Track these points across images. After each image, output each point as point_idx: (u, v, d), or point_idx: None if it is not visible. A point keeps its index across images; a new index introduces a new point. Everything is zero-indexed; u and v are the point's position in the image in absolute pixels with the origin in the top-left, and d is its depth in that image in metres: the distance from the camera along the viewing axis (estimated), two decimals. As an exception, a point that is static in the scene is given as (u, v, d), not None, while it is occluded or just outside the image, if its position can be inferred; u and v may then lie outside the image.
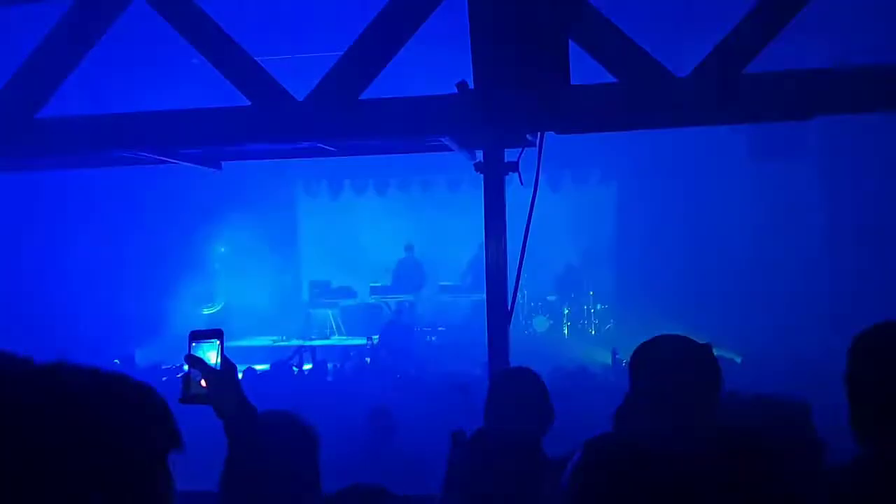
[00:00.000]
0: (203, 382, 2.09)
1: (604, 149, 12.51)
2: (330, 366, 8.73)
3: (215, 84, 5.56)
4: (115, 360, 10.00)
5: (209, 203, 13.47)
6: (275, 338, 14.57)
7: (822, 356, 8.39)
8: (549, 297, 14.34)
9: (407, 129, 4.73)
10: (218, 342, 2.11)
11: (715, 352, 3.07)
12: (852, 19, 8.49)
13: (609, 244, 15.30)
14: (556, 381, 7.68)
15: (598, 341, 13.33)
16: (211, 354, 2.11)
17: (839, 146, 10.45)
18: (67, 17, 4.97)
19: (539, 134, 4.56)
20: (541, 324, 13.86)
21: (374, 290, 14.75)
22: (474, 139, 4.62)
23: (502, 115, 4.15)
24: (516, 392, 3.09)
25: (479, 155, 4.72)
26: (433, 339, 11.08)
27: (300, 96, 4.73)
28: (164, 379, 8.48)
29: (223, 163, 6.34)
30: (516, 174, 4.64)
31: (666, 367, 2.28)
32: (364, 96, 4.66)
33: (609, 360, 8.49)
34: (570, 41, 3.92)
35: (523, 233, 4.52)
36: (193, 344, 2.11)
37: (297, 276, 16.41)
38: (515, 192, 4.77)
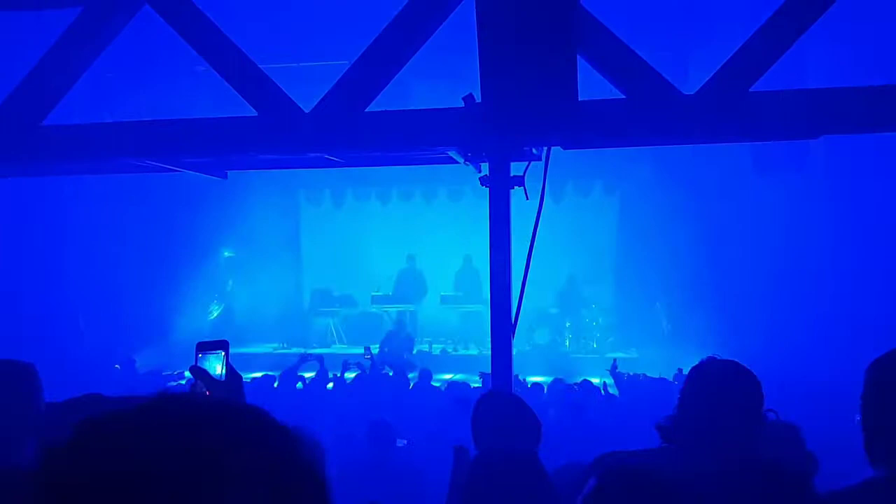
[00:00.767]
0: (208, 393, 2.09)
1: (607, 161, 12.53)
2: (331, 374, 8.71)
3: (221, 91, 5.60)
4: (116, 366, 9.99)
5: (212, 210, 13.49)
6: (275, 345, 14.57)
7: (825, 373, 8.39)
8: (550, 310, 14.32)
9: (413, 141, 4.74)
10: (223, 353, 2.11)
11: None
12: (859, 38, 8.52)
13: (611, 257, 15.30)
14: (558, 394, 7.68)
15: (600, 354, 13.32)
16: (217, 366, 2.11)
17: (844, 160, 10.47)
18: (75, 24, 5.00)
19: (545, 148, 4.57)
20: (542, 336, 13.85)
21: (375, 300, 14.73)
22: (480, 152, 4.63)
23: (509, 129, 4.16)
24: (496, 415, 3.09)
25: (485, 168, 4.72)
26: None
27: (306, 104, 4.75)
28: (169, 384, 8.47)
29: (228, 172, 6.36)
30: (522, 188, 4.64)
31: (719, 391, 2.34)
32: (370, 108, 4.68)
33: (609, 373, 8.47)
34: (578, 56, 3.93)
35: (528, 247, 4.52)
36: (200, 355, 2.11)
37: (299, 283, 16.41)
38: (519, 203, 4.76)
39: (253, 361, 12.76)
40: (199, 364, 2.13)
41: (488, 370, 5.67)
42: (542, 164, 4.62)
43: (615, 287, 15.17)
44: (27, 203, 10.79)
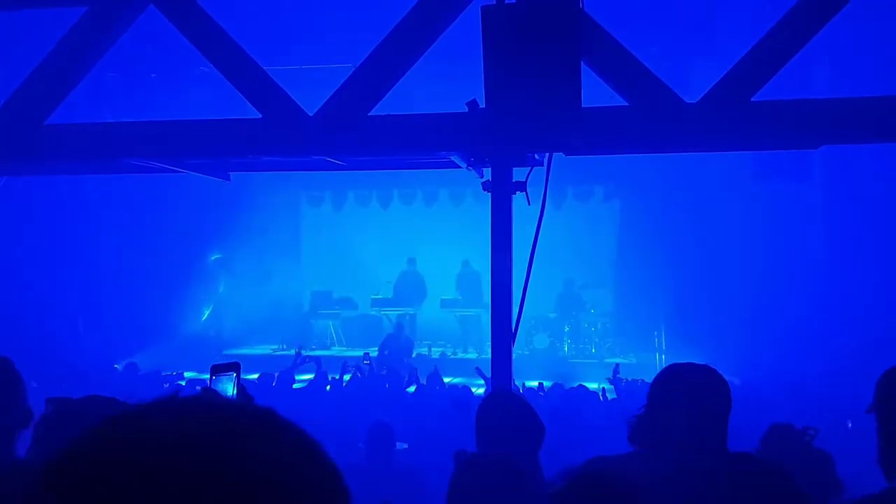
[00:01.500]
0: None
1: (607, 167, 12.55)
2: (330, 377, 8.72)
3: (226, 93, 5.62)
4: (116, 366, 9.99)
5: (213, 211, 13.51)
6: (274, 347, 14.56)
7: (818, 380, 8.42)
8: (549, 315, 14.33)
9: (416, 145, 4.77)
10: (235, 374, 2.17)
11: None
12: (859, 51, 8.56)
13: (610, 262, 15.31)
14: (556, 399, 7.69)
15: (599, 359, 13.33)
16: (229, 387, 2.16)
17: (843, 168, 10.51)
18: (80, 24, 5.02)
19: (547, 154, 4.59)
20: (541, 341, 13.85)
21: (375, 303, 14.72)
22: (483, 158, 4.65)
23: (512, 134, 4.18)
24: (502, 416, 3.10)
25: (487, 173, 4.74)
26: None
27: (310, 107, 4.77)
28: (165, 385, 8.48)
29: (231, 174, 6.38)
30: (524, 193, 4.66)
31: (688, 394, 2.33)
32: (373, 112, 4.70)
33: (609, 378, 8.47)
34: (582, 63, 3.95)
35: (529, 252, 4.54)
36: (213, 378, 2.17)
37: (299, 285, 16.42)
38: (520, 207, 4.78)
39: (252, 363, 12.78)
40: (212, 386, 2.17)
41: (484, 369, 5.68)
42: (543, 169, 4.64)
43: (614, 292, 15.19)
44: (26, 205, 10.80)
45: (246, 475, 0.64)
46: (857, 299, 10.30)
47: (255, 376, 8.82)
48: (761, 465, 2.24)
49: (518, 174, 4.70)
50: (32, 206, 11.11)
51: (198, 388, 2.18)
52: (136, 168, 5.77)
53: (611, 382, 8.40)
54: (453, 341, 14.60)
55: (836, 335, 10.07)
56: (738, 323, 11.75)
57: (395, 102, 4.87)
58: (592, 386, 8.38)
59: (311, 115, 4.72)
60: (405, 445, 5.38)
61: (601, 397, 7.78)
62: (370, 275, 15.12)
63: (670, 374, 2.44)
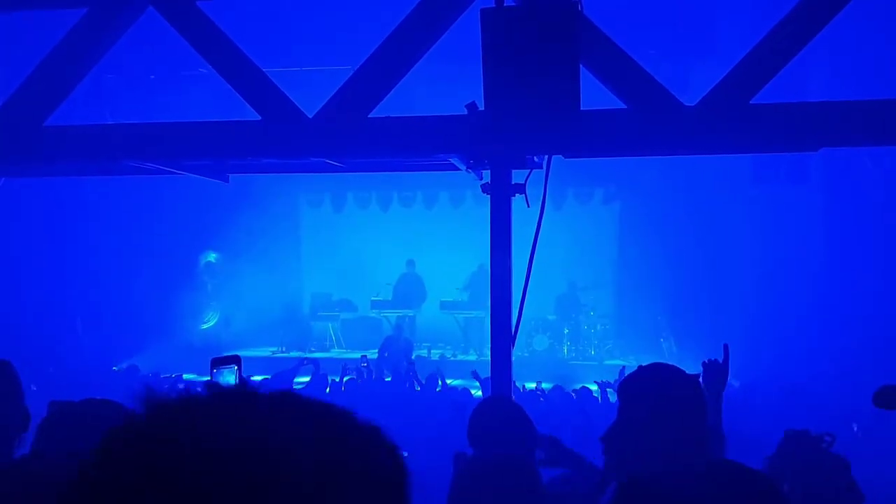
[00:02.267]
0: None
1: (607, 169, 12.56)
2: (329, 379, 8.71)
3: (225, 95, 5.62)
4: (115, 368, 9.99)
5: (213, 213, 13.51)
6: (275, 349, 14.57)
7: (818, 382, 8.41)
8: (549, 317, 14.32)
9: (415, 148, 4.76)
10: (236, 367, 2.19)
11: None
12: (859, 54, 8.57)
13: (610, 264, 15.32)
14: (556, 401, 7.69)
15: (599, 361, 13.33)
16: (230, 380, 2.18)
17: (842, 170, 10.52)
18: (79, 25, 5.01)
19: (546, 157, 4.59)
20: (540, 343, 13.85)
21: (374, 304, 14.72)
22: (482, 160, 4.65)
23: (511, 137, 4.18)
24: (493, 420, 3.09)
25: (487, 175, 4.74)
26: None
27: (310, 109, 4.77)
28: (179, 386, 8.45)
29: (230, 175, 6.38)
30: (523, 196, 4.66)
31: (656, 397, 2.30)
32: (373, 114, 4.70)
33: (616, 380, 8.46)
34: (581, 66, 3.96)
35: (529, 255, 4.54)
36: (214, 371, 2.18)
37: (299, 287, 16.42)
38: (519, 209, 4.78)
39: (252, 365, 12.78)
40: (214, 379, 2.18)
41: (482, 373, 5.67)
42: (543, 171, 4.64)
43: (614, 294, 15.19)
44: (25, 207, 10.81)
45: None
46: (857, 301, 10.30)
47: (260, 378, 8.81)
48: (743, 472, 2.22)
49: (517, 176, 4.70)
50: (32, 207, 11.11)
51: (184, 376, 2.19)
52: (135, 170, 5.77)
53: (616, 383, 8.38)
54: (453, 343, 14.61)
55: (835, 337, 10.08)
56: (738, 325, 11.74)
57: (396, 104, 4.87)
58: (593, 388, 8.38)
59: (310, 116, 4.72)
60: (405, 454, 5.37)
61: (600, 399, 7.78)
62: (370, 277, 15.13)
63: (634, 378, 2.41)
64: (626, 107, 4.14)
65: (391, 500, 0.71)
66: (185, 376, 9.72)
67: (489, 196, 4.58)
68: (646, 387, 2.36)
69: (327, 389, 8.35)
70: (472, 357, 13.69)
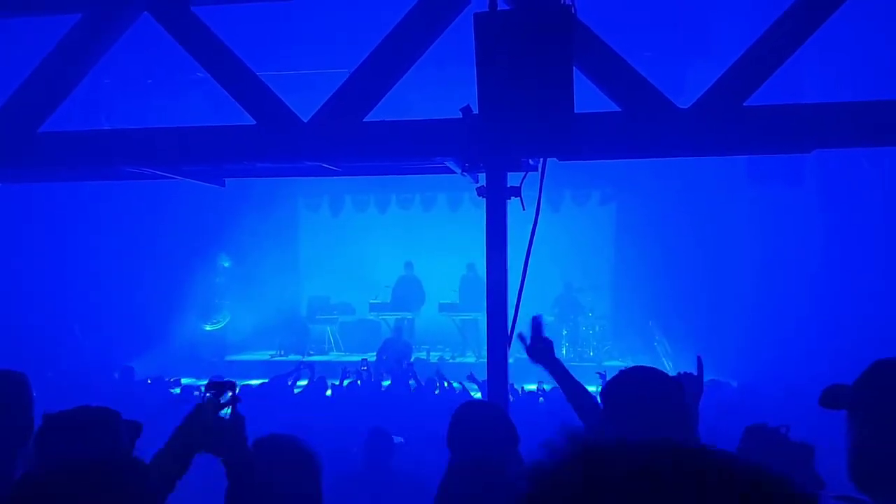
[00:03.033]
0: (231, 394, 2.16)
1: (604, 171, 12.57)
2: (329, 382, 8.71)
3: (220, 100, 5.62)
4: (115, 374, 9.97)
5: (210, 218, 13.51)
6: (272, 352, 14.57)
7: (816, 382, 8.41)
8: (547, 318, 14.30)
9: (410, 151, 4.77)
10: (230, 394, 2.19)
11: (711, 375, 3.15)
12: (852, 56, 8.59)
13: (608, 265, 15.34)
14: (554, 402, 7.69)
15: (597, 362, 13.33)
16: (224, 405, 2.19)
17: (837, 171, 10.54)
18: (74, 31, 5.02)
19: (541, 159, 4.60)
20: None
21: (373, 307, 14.73)
22: (477, 163, 4.66)
23: (505, 140, 4.19)
24: (470, 425, 3.09)
25: (482, 178, 4.75)
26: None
27: (305, 113, 4.77)
28: (174, 391, 8.45)
29: (226, 180, 6.38)
30: (518, 198, 4.66)
31: (637, 399, 2.37)
32: (368, 118, 4.71)
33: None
34: (574, 69, 3.97)
35: (524, 257, 4.54)
36: (208, 395, 2.19)
37: (297, 291, 16.42)
38: (515, 211, 4.79)
39: (250, 369, 12.79)
40: (204, 401, 2.19)
41: (481, 376, 5.66)
42: (538, 174, 4.65)
43: (612, 295, 15.20)
44: (24, 212, 10.81)
45: None
46: (855, 302, 10.31)
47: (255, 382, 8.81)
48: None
49: (513, 179, 4.71)
50: (32, 211, 11.12)
51: (195, 393, 2.20)
52: (131, 175, 5.78)
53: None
54: (452, 345, 14.61)
55: (833, 338, 10.08)
56: (735, 326, 11.76)
57: (391, 108, 4.88)
58: (591, 389, 8.38)
59: (305, 121, 4.72)
60: (401, 439, 5.38)
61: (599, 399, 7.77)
62: (368, 279, 15.13)
63: (617, 380, 2.48)
64: (620, 109, 4.15)
65: None
66: (183, 380, 9.72)
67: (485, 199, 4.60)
68: (629, 389, 2.41)
69: (328, 392, 8.35)
70: (470, 359, 13.70)
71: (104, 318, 12.80)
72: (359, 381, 8.86)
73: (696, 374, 3.05)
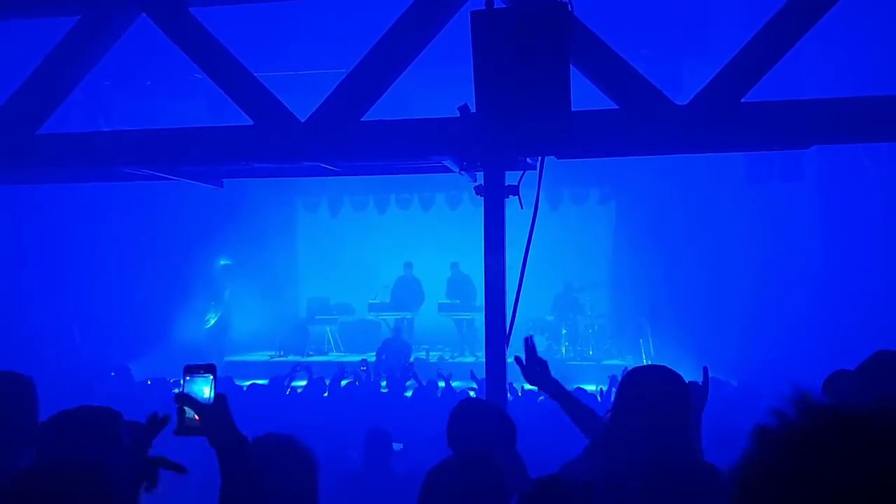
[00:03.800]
0: (196, 416, 2.12)
1: (603, 169, 12.59)
2: (327, 382, 8.70)
3: (217, 100, 5.62)
4: (112, 373, 9.96)
5: (208, 218, 13.49)
6: (272, 353, 14.56)
7: (814, 381, 8.41)
8: (546, 317, 14.32)
9: (408, 151, 4.77)
10: (211, 377, 2.14)
11: (711, 374, 3.18)
12: (849, 51, 8.59)
13: (607, 264, 15.34)
14: (553, 402, 7.68)
15: (596, 361, 13.33)
16: (205, 389, 2.14)
17: (836, 168, 10.54)
18: (72, 33, 5.01)
19: (539, 158, 4.59)
20: (538, 343, 13.81)
21: (372, 307, 14.72)
22: (475, 162, 4.66)
23: (503, 139, 4.18)
24: (468, 423, 3.09)
25: (480, 177, 4.75)
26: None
27: (302, 113, 4.77)
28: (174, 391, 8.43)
29: (224, 180, 6.38)
30: (516, 197, 4.66)
31: (652, 395, 2.46)
32: (366, 118, 4.70)
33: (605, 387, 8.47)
34: (572, 67, 3.96)
35: (523, 256, 4.54)
36: (187, 378, 2.14)
37: (296, 291, 16.41)
38: (514, 209, 4.79)
39: (249, 370, 12.77)
40: (185, 388, 2.15)
41: (480, 373, 5.66)
42: (536, 173, 4.65)
43: (611, 294, 15.20)
44: (22, 212, 10.79)
45: None
46: (854, 298, 10.31)
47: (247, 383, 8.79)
48: (709, 469, 2.33)
49: (511, 178, 4.70)
50: (31, 212, 11.10)
51: (174, 392, 2.17)
52: (129, 176, 5.77)
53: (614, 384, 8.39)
54: (451, 345, 14.61)
55: (833, 335, 10.08)
56: (735, 324, 11.76)
57: (389, 107, 4.87)
58: (590, 388, 8.37)
59: (302, 120, 4.72)
60: (401, 445, 5.37)
61: (599, 398, 7.77)
62: (367, 279, 15.13)
63: (628, 378, 2.61)
64: (617, 107, 4.15)
65: None
66: (175, 391, 9.67)
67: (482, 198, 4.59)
68: (644, 389, 2.50)
69: (325, 393, 8.35)
70: (470, 359, 13.70)
71: (103, 319, 12.78)
72: (357, 382, 8.85)
73: (701, 383, 3.06)
